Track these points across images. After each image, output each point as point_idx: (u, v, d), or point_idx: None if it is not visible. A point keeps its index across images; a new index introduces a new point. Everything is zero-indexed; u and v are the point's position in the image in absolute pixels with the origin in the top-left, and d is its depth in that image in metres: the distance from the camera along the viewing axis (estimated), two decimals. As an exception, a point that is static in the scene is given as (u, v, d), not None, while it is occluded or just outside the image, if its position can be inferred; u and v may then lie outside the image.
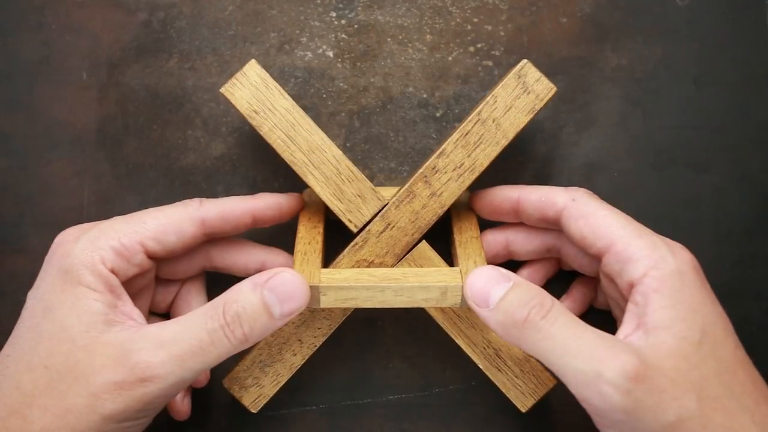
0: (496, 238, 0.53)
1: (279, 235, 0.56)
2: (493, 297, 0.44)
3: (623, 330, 0.44)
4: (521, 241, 0.53)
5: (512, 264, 0.55)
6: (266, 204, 0.51)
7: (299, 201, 0.53)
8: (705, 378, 0.42)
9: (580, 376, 0.41)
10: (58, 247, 0.46)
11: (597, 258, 0.48)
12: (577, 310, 0.55)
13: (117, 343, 0.43)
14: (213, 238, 0.52)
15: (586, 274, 0.53)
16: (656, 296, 0.44)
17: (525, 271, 0.55)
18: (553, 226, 0.51)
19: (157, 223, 0.48)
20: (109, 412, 0.42)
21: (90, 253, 0.45)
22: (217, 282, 0.54)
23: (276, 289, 0.44)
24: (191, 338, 0.43)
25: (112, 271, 0.46)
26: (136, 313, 0.46)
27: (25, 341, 0.44)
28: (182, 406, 0.53)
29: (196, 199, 0.50)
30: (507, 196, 0.52)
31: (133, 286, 0.48)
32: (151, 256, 0.48)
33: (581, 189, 0.50)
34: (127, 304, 0.46)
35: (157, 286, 0.53)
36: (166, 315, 0.54)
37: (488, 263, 0.49)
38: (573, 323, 0.43)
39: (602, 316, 0.54)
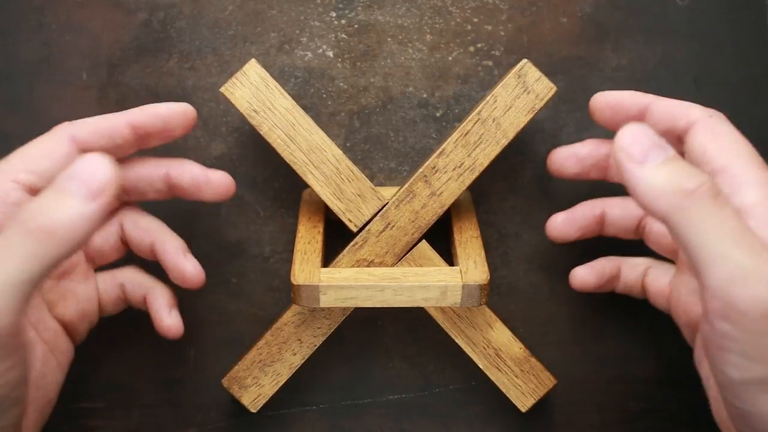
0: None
1: (280, 235, 0.56)
2: (653, 156, 0.39)
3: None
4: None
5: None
6: (144, 112, 0.48)
7: (186, 112, 0.49)
8: None
9: (737, 270, 0.37)
10: None
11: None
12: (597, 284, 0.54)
13: None
14: None
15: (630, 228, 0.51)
16: None
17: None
18: (675, 140, 0.48)
19: (23, 155, 0.46)
20: None
21: None
22: (228, 288, 0.54)
23: (71, 171, 0.40)
24: None
25: None
26: None
27: None
28: (169, 319, 0.51)
29: (65, 122, 0.48)
30: (636, 101, 0.49)
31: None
32: (33, 191, 0.45)
33: (719, 112, 0.47)
34: None
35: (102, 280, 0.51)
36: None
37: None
38: (738, 215, 0.39)
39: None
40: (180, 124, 0.49)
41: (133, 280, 0.51)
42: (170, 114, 0.48)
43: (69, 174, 0.39)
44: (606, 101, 0.50)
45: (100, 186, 0.39)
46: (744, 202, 0.42)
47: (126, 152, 0.48)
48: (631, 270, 0.53)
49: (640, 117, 0.48)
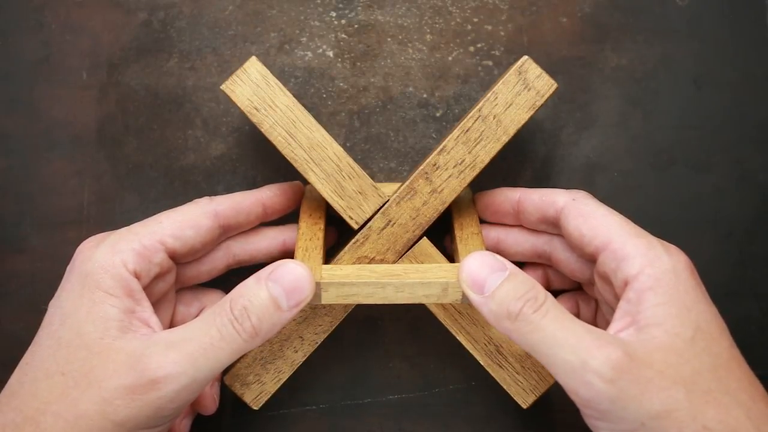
0: (488, 235, 0.54)
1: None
2: (489, 284, 0.44)
3: (614, 326, 0.44)
4: (512, 241, 0.53)
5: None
6: (272, 192, 0.52)
7: (301, 187, 0.55)
8: (697, 372, 0.41)
9: (568, 367, 0.41)
10: (78, 254, 0.47)
11: (592, 257, 0.48)
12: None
13: (129, 349, 0.43)
14: (230, 235, 0.52)
15: (578, 280, 0.52)
16: (650, 294, 0.44)
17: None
18: (551, 228, 0.51)
19: (172, 220, 0.48)
20: (121, 419, 0.42)
21: (111, 256, 0.45)
22: (229, 287, 0.54)
23: (279, 281, 0.44)
24: (201, 336, 0.43)
25: (135, 274, 0.46)
26: (154, 321, 0.46)
27: (43, 349, 0.44)
28: (209, 399, 0.52)
29: (206, 197, 0.51)
30: (508, 196, 0.52)
31: (153, 291, 0.48)
32: (172, 255, 0.48)
33: (581, 191, 0.50)
34: (146, 310, 0.46)
35: (180, 299, 0.53)
36: None
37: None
38: (563, 316, 0.43)
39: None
40: (296, 199, 0.54)
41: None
42: (292, 190, 0.54)
43: (280, 280, 0.44)
44: (484, 203, 0.53)
45: (299, 301, 0.45)
46: (629, 274, 0.45)
47: (253, 225, 0.53)
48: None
49: (515, 212, 0.52)
